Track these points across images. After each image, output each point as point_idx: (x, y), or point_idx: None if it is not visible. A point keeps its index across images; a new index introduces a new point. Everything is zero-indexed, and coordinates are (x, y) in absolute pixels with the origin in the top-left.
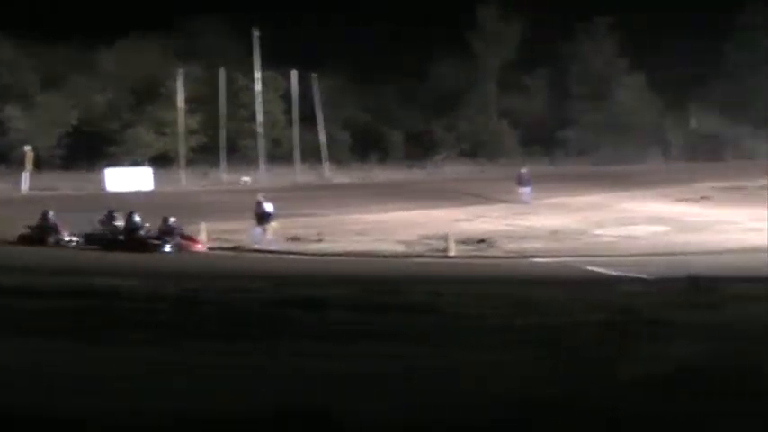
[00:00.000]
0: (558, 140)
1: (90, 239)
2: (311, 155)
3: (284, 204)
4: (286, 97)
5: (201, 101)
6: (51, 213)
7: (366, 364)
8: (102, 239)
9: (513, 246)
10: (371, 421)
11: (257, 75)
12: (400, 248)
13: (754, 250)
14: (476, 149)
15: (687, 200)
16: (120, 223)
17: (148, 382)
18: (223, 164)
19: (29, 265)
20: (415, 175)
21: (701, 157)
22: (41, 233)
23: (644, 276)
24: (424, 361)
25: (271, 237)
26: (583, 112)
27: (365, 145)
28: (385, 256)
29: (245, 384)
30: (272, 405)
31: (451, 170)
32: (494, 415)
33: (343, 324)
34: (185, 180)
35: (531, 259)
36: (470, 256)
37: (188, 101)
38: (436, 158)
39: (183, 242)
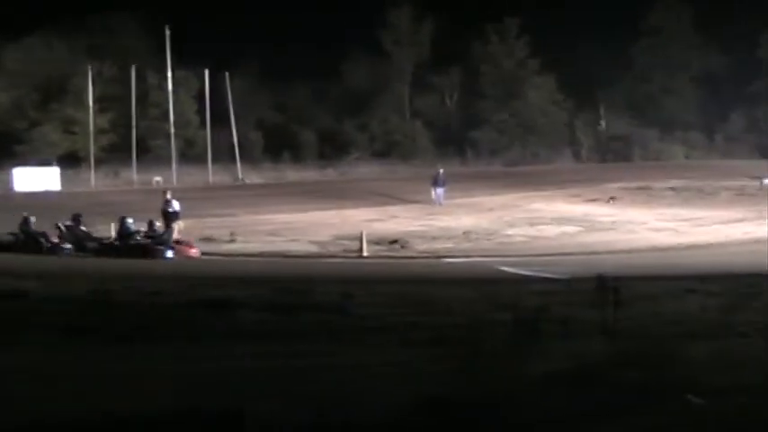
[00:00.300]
0: (469, 141)
1: (80, 247)
2: (224, 155)
3: (197, 204)
4: (199, 97)
5: (112, 99)
6: (33, 219)
7: (274, 364)
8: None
9: (425, 246)
10: (278, 420)
11: (169, 73)
12: (313, 249)
13: (661, 249)
14: (389, 149)
15: (596, 200)
16: (84, 228)
17: (33, 386)
18: (134, 164)
19: None
20: (327, 175)
21: (611, 158)
22: (25, 239)
23: (554, 276)
24: (330, 360)
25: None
26: (494, 113)
27: (278, 145)
28: (298, 257)
29: (147, 386)
30: (173, 406)
31: (364, 170)
32: (397, 414)
33: (252, 324)
34: (95, 180)
35: (443, 259)
36: (383, 257)
37: (98, 99)
38: (349, 158)
39: (179, 247)
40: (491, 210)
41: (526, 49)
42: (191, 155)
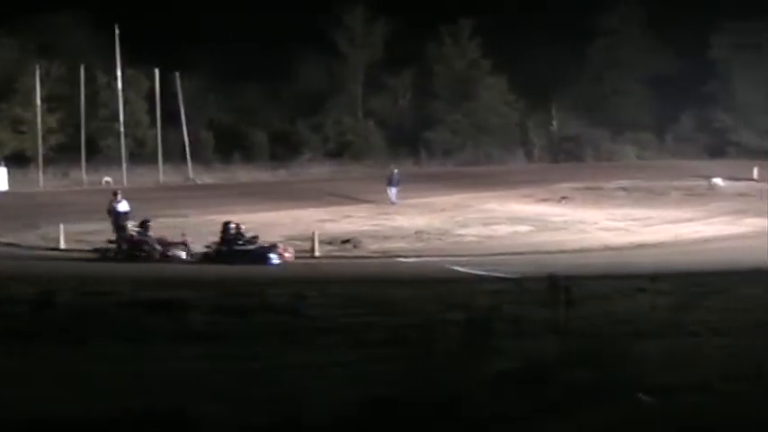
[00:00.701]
0: (423, 141)
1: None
2: (175, 155)
3: (147, 205)
4: (149, 96)
5: (61, 99)
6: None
7: (224, 366)
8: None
9: (378, 245)
10: (225, 420)
11: (119, 73)
12: None
13: (612, 249)
14: (341, 150)
15: (548, 200)
16: (152, 233)
17: None
18: (83, 164)
19: None
20: (279, 175)
21: (563, 159)
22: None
23: (506, 275)
24: (282, 361)
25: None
26: (447, 113)
27: (229, 145)
28: None
29: (95, 387)
30: (120, 408)
31: (317, 170)
32: (346, 414)
33: (203, 326)
34: (44, 180)
35: (395, 259)
36: (335, 257)
37: (47, 99)
38: (301, 159)
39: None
40: (444, 209)
41: (479, 50)
42: (141, 155)
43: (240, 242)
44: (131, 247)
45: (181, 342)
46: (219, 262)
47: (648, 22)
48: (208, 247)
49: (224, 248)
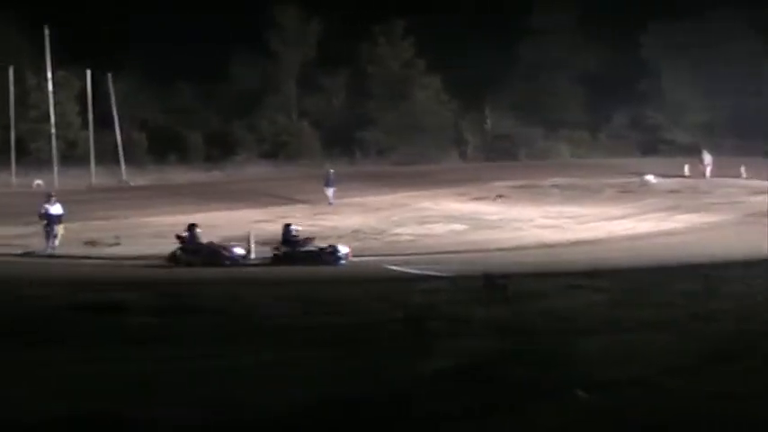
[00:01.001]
0: (357, 141)
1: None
2: (107, 157)
3: (80, 207)
4: (81, 98)
5: None
6: (198, 231)
7: (158, 368)
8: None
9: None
10: (165, 424)
11: (49, 74)
12: None
13: (547, 246)
14: (276, 150)
15: (483, 198)
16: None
17: None
18: (13, 166)
19: None
20: (214, 176)
21: (497, 157)
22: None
23: (441, 273)
24: (220, 363)
25: (58, 242)
26: (381, 113)
27: (163, 146)
28: None
29: (29, 392)
30: (55, 412)
31: (252, 171)
32: (289, 414)
33: (137, 328)
34: None
35: None
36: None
37: None
38: (236, 159)
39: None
40: (379, 209)
41: (412, 50)
42: (73, 157)
43: (301, 243)
44: (211, 254)
45: (120, 344)
46: (285, 263)
47: (580, 21)
48: (276, 249)
49: (288, 250)
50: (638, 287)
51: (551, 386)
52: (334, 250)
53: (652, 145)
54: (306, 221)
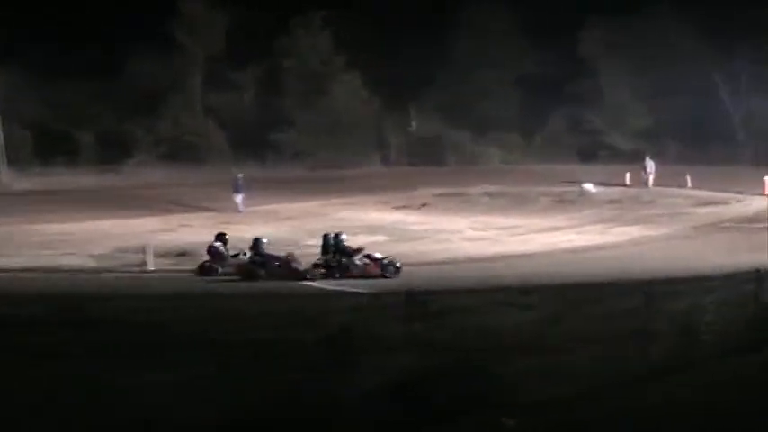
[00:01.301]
0: (269, 142)
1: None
2: None
3: None
4: None
5: None
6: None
7: (44, 385)
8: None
9: None
10: None
11: None
12: (92, 263)
13: (476, 260)
14: (178, 152)
15: (407, 207)
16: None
17: None
18: None
19: None
20: (108, 180)
21: (423, 162)
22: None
23: (361, 290)
24: (133, 380)
25: None
26: (297, 113)
27: (51, 147)
28: (74, 272)
29: None
30: None
31: (151, 175)
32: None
33: (19, 344)
34: None
35: None
36: (171, 271)
37: None
38: (131, 162)
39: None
40: (292, 218)
41: (332, 44)
42: None
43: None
44: (285, 267)
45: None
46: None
47: (516, 17)
48: (319, 262)
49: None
50: (572, 304)
51: (475, 405)
52: (390, 262)
53: (591, 151)
54: (209, 232)
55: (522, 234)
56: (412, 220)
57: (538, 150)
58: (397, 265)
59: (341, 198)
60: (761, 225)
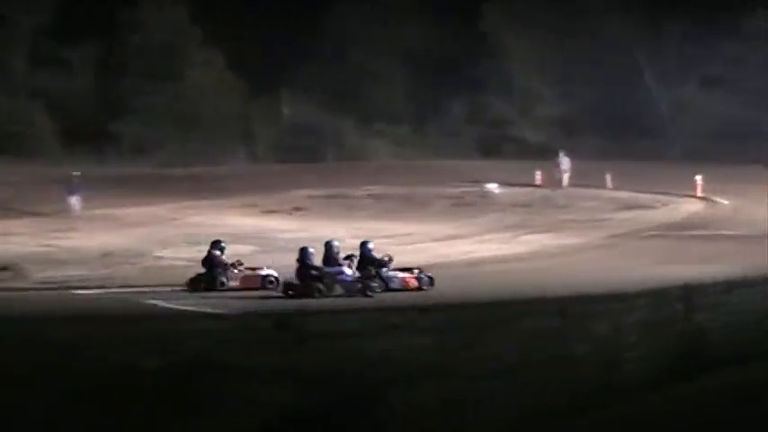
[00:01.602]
0: (110, 134)
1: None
2: None
3: None
4: None
5: None
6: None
7: None
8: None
9: (48, 273)
10: None
11: None
12: None
13: None
14: None
15: (277, 212)
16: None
17: None
18: None
19: None
20: None
21: (296, 158)
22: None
23: (221, 311)
24: None
25: None
26: (143, 98)
27: None
28: None
29: None
30: None
31: None
32: None
33: None
34: None
35: (72, 291)
36: None
37: None
38: None
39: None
40: (138, 225)
41: (186, 15)
42: None
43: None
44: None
45: None
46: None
47: None
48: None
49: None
50: (473, 326)
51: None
52: (424, 273)
53: (495, 144)
54: (37, 241)
55: (414, 243)
56: (281, 227)
57: (433, 144)
58: (430, 275)
59: (197, 201)
60: (691, 232)
